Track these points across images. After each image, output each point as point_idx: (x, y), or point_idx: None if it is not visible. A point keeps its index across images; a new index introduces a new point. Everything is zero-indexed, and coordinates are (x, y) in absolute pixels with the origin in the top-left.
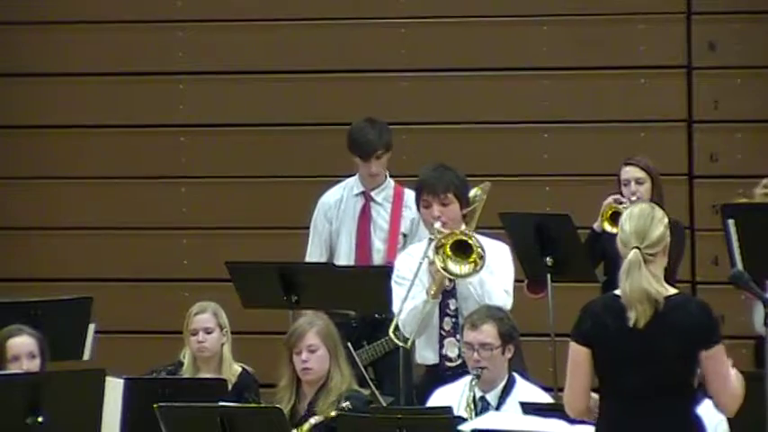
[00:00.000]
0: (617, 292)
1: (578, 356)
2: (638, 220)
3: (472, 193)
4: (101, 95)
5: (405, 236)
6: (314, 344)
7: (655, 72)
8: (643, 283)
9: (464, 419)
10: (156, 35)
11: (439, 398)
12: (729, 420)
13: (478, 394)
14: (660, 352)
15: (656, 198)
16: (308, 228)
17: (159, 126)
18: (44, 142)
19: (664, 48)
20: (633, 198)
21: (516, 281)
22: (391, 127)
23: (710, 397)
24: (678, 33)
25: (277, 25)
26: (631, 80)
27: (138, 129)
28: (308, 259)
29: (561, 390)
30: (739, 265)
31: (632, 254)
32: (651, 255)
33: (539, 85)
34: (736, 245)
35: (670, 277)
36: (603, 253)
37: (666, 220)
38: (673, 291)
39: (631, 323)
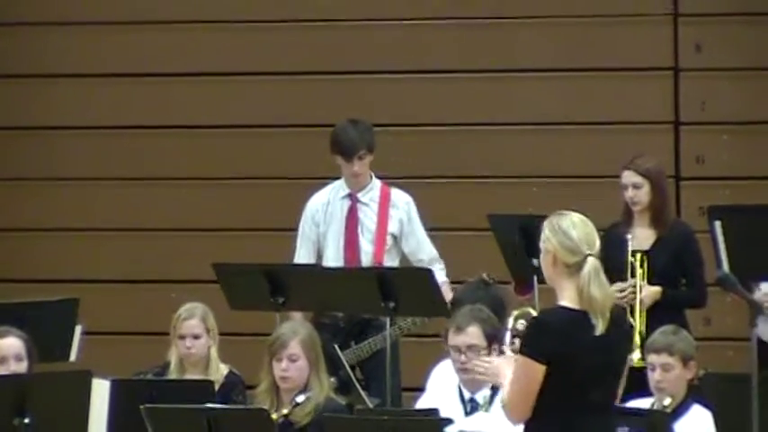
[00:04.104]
0: (564, 303)
1: (536, 374)
2: (583, 228)
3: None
4: (88, 97)
5: (394, 236)
6: (295, 353)
7: (642, 74)
8: (609, 289)
9: (451, 421)
10: (146, 36)
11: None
12: (717, 420)
13: (467, 396)
14: (619, 360)
15: (659, 201)
16: (295, 229)
17: (146, 128)
18: (32, 144)
19: (651, 49)
20: (633, 205)
21: (503, 282)
22: (377, 129)
23: (699, 401)
24: (665, 35)
25: (261, 27)
26: (618, 82)
27: (125, 130)
28: (296, 262)
29: None
30: (726, 268)
31: (593, 261)
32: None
33: (526, 86)
34: (722, 247)
35: (701, 287)
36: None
37: None
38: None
39: (598, 331)
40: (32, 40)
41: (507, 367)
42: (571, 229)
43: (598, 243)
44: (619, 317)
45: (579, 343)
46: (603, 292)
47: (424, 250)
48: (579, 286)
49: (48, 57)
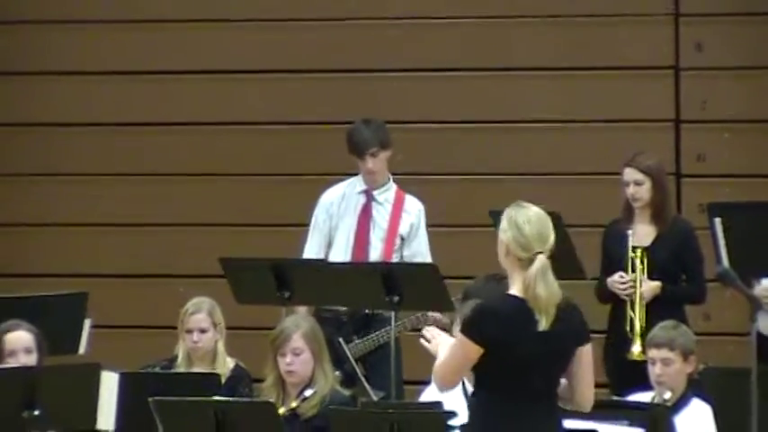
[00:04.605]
0: (514, 293)
1: (471, 354)
2: (537, 225)
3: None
4: (93, 93)
5: (402, 238)
6: (299, 347)
7: (643, 72)
8: (556, 288)
9: (455, 414)
10: (152, 34)
11: None
12: (717, 414)
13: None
14: (562, 353)
15: (660, 197)
16: (301, 225)
17: (153, 124)
18: (40, 139)
19: (652, 49)
20: (634, 202)
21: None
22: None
23: (699, 395)
24: (666, 34)
25: (272, 26)
26: (620, 81)
27: (133, 127)
28: (306, 253)
29: None
30: (725, 263)
31: (542, 259)
32: (549, 258)
33: (528, 85)
34: (722, 243)
35: (700, 282)
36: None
37: None
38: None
39: (542, 327)
40: (33, 38)
41: (447, 344)
42: (525, 225)
43: (551, 240)
44: (568, 312)
45: (520, 332)
46: (548, 291)
47: (420, 254)
48: (526, 282)
49: (49, 54)
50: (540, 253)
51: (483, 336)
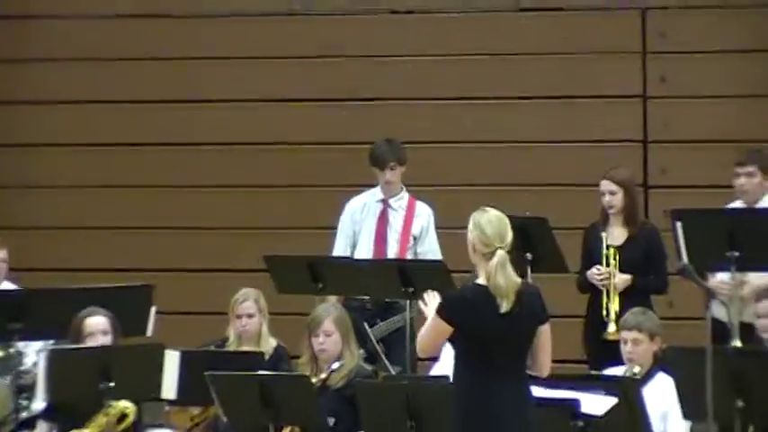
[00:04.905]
0: (480, 282)
1: (443, 331)
2: (497, 225)
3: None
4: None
5: (415, 238)
6: (329, 329)
7: (616, 101)
8: (514, 277)
9: None
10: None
11: None
12: (678, 384)
13: None
14: (523, 332)
15: (630, 205)
16: (328, 228)
17: (215, 144)
18: (117, 155)
19: (623, 81)
20: (609, 208)
21: None
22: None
23: (663, 369)
24: (635, 68)
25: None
26: (596, 107)
27: (199, 147)
28: (335, 252)
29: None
30: (685, 260)
31: (501, 253)
32: (509, 253)
33: (521, 111)
34: (682, 242)
35: (664, 276)
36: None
37: None
38: (519, 280)
39: (503, 310)
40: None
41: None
42: (486, 226)
43: (509, 237)
44: (527, 297)
45: (483, 314)
46: (507, 279)
47: (432, 251)
48: (488, 272)
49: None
50: (500, 248)
51: (452, 317)
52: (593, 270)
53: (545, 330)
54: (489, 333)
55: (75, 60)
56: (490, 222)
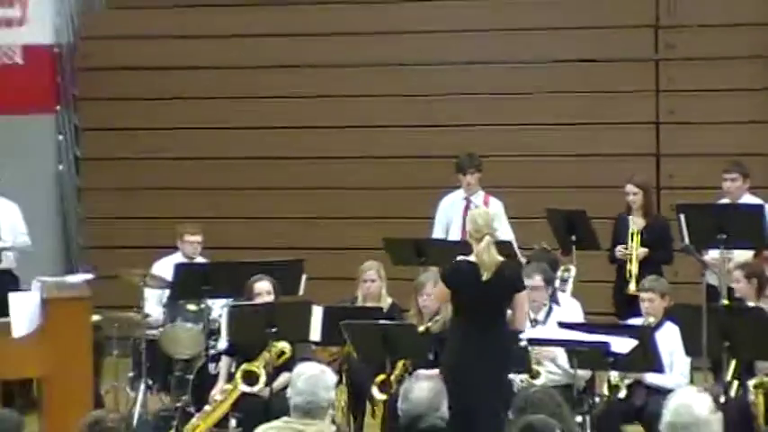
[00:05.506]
0: (470, 259)
1: (444, 292)
2: (485, 217)
3: None
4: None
5: None
6: (430, 291)
7: (639, 126)
8: (495, 256)
9: (521, 332)
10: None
11: None
12: (682, 331)
13: (532, 316)
14: (497, 295)
15: (647, 202)
16: (427, 218)
17: (349, 158)
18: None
19: (644, 112)
20: (632, 204)
21: (555, 249)
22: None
23: (671, 319)
24: (649, 104)
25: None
26: (624, 131)
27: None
28: (433, 235)
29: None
30: (687, 241)
31: (488, 238)
32: (492, 236)
33: (567, 133)
34: (685, 228)
35: (670, 252)
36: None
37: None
38: (501, 258)
39: (484, 279)
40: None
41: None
42: (477, 218)
43: (494, 225)
44: (507, 271)
45: (470, 282)
46: (489, 258)
47: (505, 233)
48: (477, 252)
49: None
50: (487, 234)
51: (449, 282)
52: (620, 248)
53: (520, 296)
54: (473, 295)
55: None
56: (480, 215)
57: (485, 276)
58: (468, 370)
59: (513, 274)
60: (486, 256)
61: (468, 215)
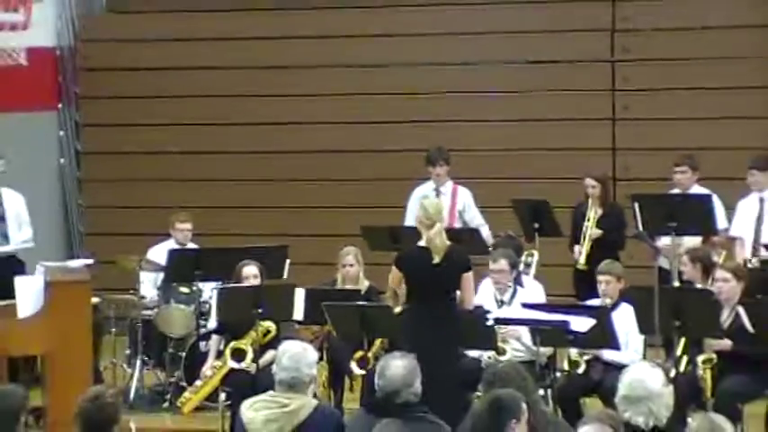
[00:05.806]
0: (421, 244)
1: (396, 275)
2: (434, 206)
3: None
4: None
5: (460, 212)
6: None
7: (595, 122)
8: (445, 240)
9: (489, 312)
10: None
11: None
12: (636, 311)
13: (498, 297)
14: (447, 276)
15: (604, 192)
16: (401, 207)
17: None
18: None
19: (600, 109)
20: (592, 197)
21: (519, 236)
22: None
23: (626, 300)
24: (606, 103)
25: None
26: (583, 127)
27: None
28: (405, 223)
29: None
30: (640, 228)
31: (438, 225)
32: (440, 223)
33: (536, 130)
34: (639, 216)
35: (623, 237)
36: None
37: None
38: (450, 243)
39: (434, 262)
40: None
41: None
42: (429, 207)
43: (443, 214)
44: (455, 254)
45: (422, 265)
46: (440, 242)
47: (476, 220)
48: (427, 238)
49: None
50: (437, 222)
51: (401, 266)
52: (577, 248)
53: (466, 277)
54: (425, 277)
55: None
56: (430, 205)
57: (436, 259)
58: (425, 349)
59: (461, 257)
60: (438, 240)
61: (420, 204)
